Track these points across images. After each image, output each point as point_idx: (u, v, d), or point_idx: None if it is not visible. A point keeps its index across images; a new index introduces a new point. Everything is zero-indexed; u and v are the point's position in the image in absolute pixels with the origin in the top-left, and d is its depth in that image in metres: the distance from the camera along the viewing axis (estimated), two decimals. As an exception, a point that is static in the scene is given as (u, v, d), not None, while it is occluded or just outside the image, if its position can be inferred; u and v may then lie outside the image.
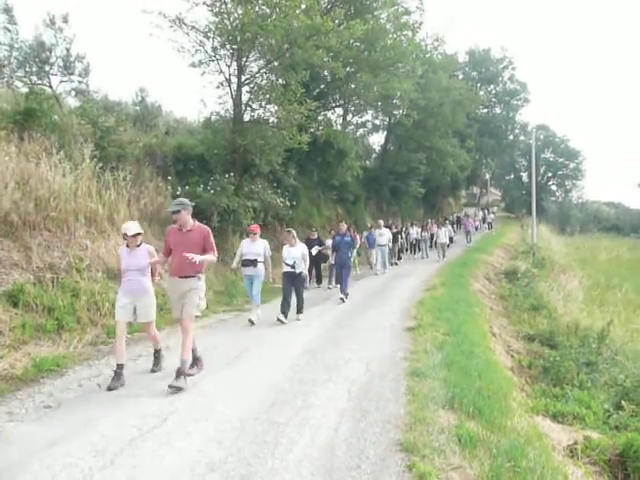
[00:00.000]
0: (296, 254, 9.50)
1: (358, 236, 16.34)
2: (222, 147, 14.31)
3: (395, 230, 21.14)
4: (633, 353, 11.32)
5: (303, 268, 9.57)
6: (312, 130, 17.82)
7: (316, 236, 14.02)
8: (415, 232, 23.87)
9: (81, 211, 9.34)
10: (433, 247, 24.38)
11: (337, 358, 6.82)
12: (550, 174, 51.88)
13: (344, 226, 12.74)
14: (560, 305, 15.15)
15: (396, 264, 20.31)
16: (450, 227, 26.83)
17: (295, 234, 9.77)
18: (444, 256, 21.80)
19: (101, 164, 10.40)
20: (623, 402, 7.84)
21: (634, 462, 5.81)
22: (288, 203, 15.98)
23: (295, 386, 5.65)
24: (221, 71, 14.43)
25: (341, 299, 11.36)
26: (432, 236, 24.58)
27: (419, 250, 24.09)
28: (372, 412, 4.92)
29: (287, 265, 9.49)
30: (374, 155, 33.65)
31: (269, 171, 15.49)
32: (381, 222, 18.40)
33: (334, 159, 20.31)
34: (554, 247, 31.33)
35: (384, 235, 17.34)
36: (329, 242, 13.77)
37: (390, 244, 18.12)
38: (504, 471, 3.90)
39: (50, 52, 13.58)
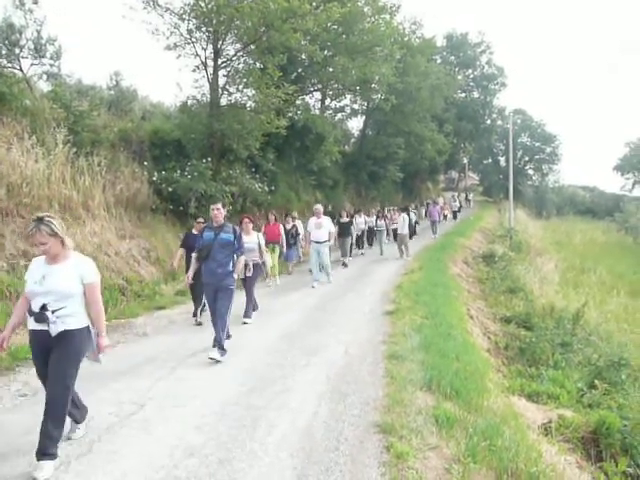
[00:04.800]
0: (57, 285, 3.68)
1: (259, 234, 8.81)
2: (199, 132, 14.12)
3: (346, 219, 15.70)
4: (606, 333, 11.63)
5: (77, 320, 3.73)
6: (290, 114, 17.70)
7: None
8: (363, 221, 18.57)
9: (55, 197, 9.19)
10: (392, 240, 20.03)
11: (316, 342, 6.85)
12: (527, 158, 52.29)
13: (221, 212, 6.42)
14: (536, 287, 15.39)
15: (345, 265, 14.81)
16: (412, 214, 21.93)
17: (59, 228, 3.68)
18: (407, 252, 16.72)
19: (75, 149, 10.20)
20: (596, 381, 8.05)
21: (606, 439, 6.00)
22: (267, 188, 15.87)
23: (274, 370, 5.66)
24: (197, 54, 14.21)
25: (211, 358, 6.02)
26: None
27: (367, 244, 19.54)
28: (351, 395, 4.96)
29: (32, 315, 3.69)
30: (353, 140, 33.52)
31: (247, 156, 15.33)
32: (319, 207, 12.23)
33: (313, 144, 20.17)
34: (531, 230, 31.81)
35: (323, 227, 11.70)
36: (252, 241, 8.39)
37: (333, 239, 12.54)
38: (480, 450, 3.97)
39: (20, 34, 13.15)
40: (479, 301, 13.04)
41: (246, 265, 7.69)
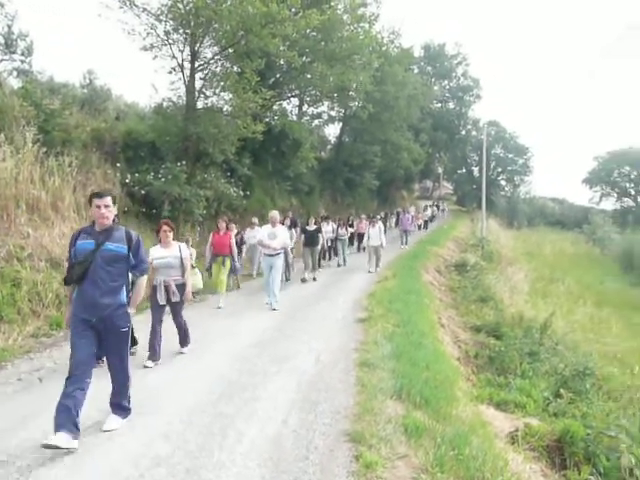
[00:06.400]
0: None
1: (181, 245, 6.69)
2: (174, 134, 13.99)
3: (314, 227, 13.72)
4: (573, 343, 11.88)
5: None
6: (267, 120, 17.68)
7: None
8: (330, 230, 16.46)
9: (22, 197, 8.95)
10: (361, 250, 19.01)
11: (287, 350, 6.82)
12: (500, 169, 53.17)
13: (111, 210, 4.09)
14: (506, 297, 15.62)
15: (314, 279, 13.30)
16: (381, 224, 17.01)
17: None
18: (378, 265, 15.43)
19: (45, 149, 9.98)
20: (562, 390, 8.20)
21: (570, 447, 6.10)
22: (242, 193, 15.81)
23: (244, 378, 5.61)
24: (174, 56, 14.09)
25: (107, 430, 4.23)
26: (359, 236, 19.47)
27: (335, 255, 17.52)
28: (321, 403, 4.94)
29: None
30: (329, 146, 33.68)
31: (223, 160, 15.26)
32: (274, 214, 10.17)
33: (289, 149, 20.22)
34: (502, 240, 32.29)
35: (278, 237, 9.89)
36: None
37: (288, 252, 11.41)
38: (448, 459, 3.99)
39: (-10, 29, 12.93)
40: (450, 310, 13.16)
41: (168, 287, 6.35)
